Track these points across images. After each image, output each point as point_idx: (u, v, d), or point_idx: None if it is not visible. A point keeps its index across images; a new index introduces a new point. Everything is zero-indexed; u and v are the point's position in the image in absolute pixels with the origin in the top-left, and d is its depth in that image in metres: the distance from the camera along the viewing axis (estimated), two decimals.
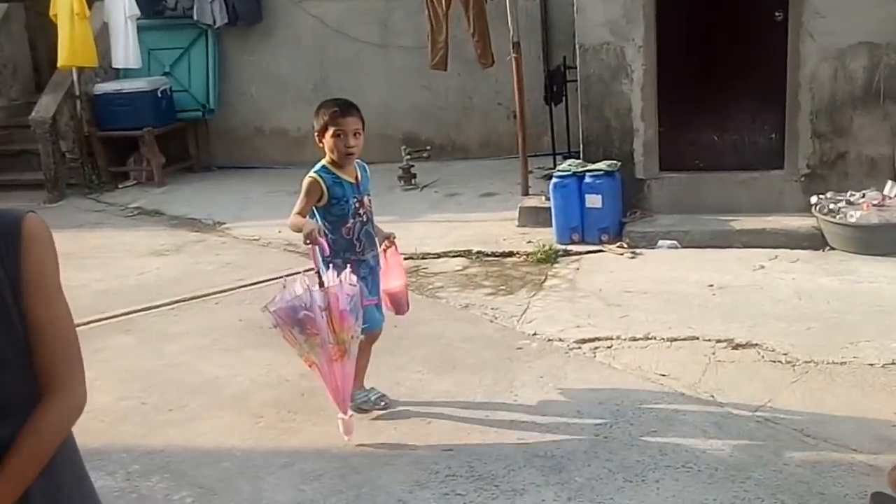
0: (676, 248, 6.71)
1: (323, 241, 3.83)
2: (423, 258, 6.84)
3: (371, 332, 4.15)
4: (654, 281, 6.00)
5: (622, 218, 7.14)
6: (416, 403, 4.42)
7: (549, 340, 5.10)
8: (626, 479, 3.61)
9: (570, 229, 6.98)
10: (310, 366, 3.85)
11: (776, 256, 6.35)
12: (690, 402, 4.23)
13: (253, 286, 6.35)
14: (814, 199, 6.74)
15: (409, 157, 9.40)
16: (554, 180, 7.15)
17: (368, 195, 4.17)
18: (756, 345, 4.80)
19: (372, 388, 4.30)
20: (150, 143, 10.13)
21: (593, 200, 6.94)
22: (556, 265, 6.55)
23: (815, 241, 6.54)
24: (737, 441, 3.84)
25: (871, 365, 4.50)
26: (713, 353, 4.75)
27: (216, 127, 11.10)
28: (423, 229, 7.57)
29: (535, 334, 5.21)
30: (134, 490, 3.81)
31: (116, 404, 4.59)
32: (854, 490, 3.43)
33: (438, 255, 6.89)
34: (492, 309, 5.68)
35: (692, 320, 5.21)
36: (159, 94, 10.29)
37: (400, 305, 4.37)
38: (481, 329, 5.38)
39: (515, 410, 4.30)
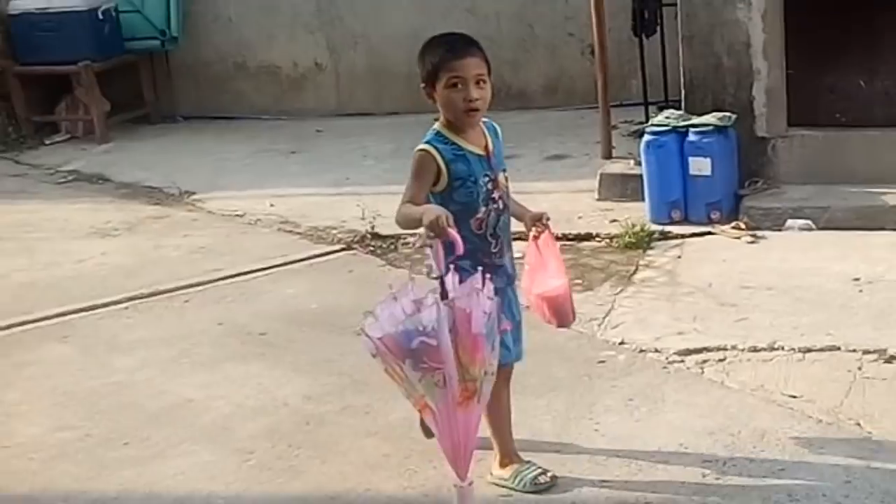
0: (811, 229, 6.77)
1: (454, 232, 3.40)
2: None
3: (504, 368, 3.79)
4: (781, 273, 6.06)
5: (739, 189, 7.23)
6: None
7: (642, 351, 5.15)
8: None
9: (670, 204, 7.06)
10: (421, 409, 3.54)
11: None
12: (830, 430, 4.27)
13: (236, 278, 6.47)
14: None
15: None
16: (646, 138, 7.21)
17: (504, 171, 3.89)
18: None
19: (529, 462, 4.00)
20: (88, 83, 10.02)
21: (699, 165, 7.02)
22: (650, 252, 6.62)
23: None
24: (891, 481, 3.86)
25: None
26: (860, 368, 4.81)
27: (181, 62, 11.08)
28: None
29: (622, 343, 5.25)
30: None
31: (51, 437, 4.56)
32: None
33: None
34: None
35: (832, 325, 5.25)
36: (100, 16, 10.09)
37: (564, 314, 4.08)
38: (551, 337, 5.23)
39: (596, 444, 4.31)
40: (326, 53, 11.08)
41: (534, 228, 3.96)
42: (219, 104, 11.01)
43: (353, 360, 5.12)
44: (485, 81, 3.70)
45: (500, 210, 3.77)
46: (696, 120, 7.13)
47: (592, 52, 8.04)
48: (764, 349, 5.05)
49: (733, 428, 4.31)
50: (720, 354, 5.03)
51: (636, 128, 8.31)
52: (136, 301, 6.15)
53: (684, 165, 7.04)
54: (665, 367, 4.97)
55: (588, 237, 6.89)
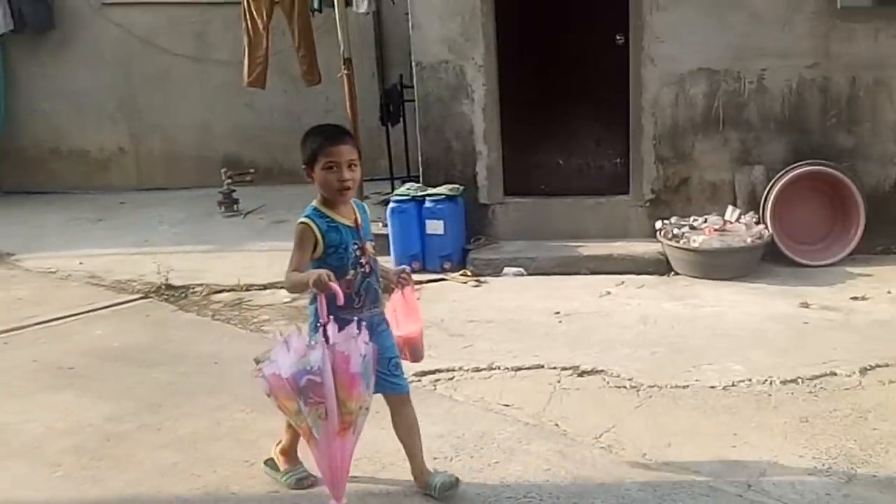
0: (522, 275, 7.13)
1: (336, 285, 3.39)
2: (246, 290, 6.95)
3: (403, 396, 3.88)
4: (499, 310, 6.36)
5: (465, 245, 7.51)
6: (242, 443, 4.45)
7: None
8: None
9: (410, 257, 7.24)
10: (307, 439, 3.52)
11: (622, 282, 6.90)
12: (534, 431, 4.50)
13: (49, 323, 6.31)
14: (658, 224, 7.36)
15: (230, 181, 9.44)
16: (391, 205, 7.43)
17: (371, 240, 3.83)
18: (601, 371, 5.19)
19: (442, 472, 3.98)
20: None
21: (434, 226, 7.27)
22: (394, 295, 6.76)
23: (661, 267, 7.15)
24: (579, 469, 4.12)
25: (713, 387, 4.94)
26: (558, 381, 5.11)
27: (3, 147, 10.80)
28: (245, 259, 7.71)
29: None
30: None
31: None
32: None
33: (265, 287, 6.97)
34: None
35: (538, 349, 5.57)
36: None
37: (418, 352, 4.08)
38: None
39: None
40: (128, 139, 10.97)
41: (399, 278, 3.94)
42: (36, 181, 10.73)
43: (149, 387, 5.18)
44: (356, 165, 3.68)
45: (366, 273, 3.71)
46: (431, 191, 7.40)
47: None
48: (484, 369, 5.27)
49: (459, 431, 4.48)
50: (449, 374, 5.21)
51: (384, 197, 8.46)
52: None
53: (422, 226, 7.27)
54: None
55: None
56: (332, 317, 3.41)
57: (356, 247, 3.67)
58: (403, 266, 4.07)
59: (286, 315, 6.41)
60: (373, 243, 3.83)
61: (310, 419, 3.35)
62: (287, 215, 9.07)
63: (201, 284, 7.09)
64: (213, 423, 4.65)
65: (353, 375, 3.31)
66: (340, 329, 3.41)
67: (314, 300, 3.58)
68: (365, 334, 3.43)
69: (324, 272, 3.38)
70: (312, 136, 3.74)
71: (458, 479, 3.90)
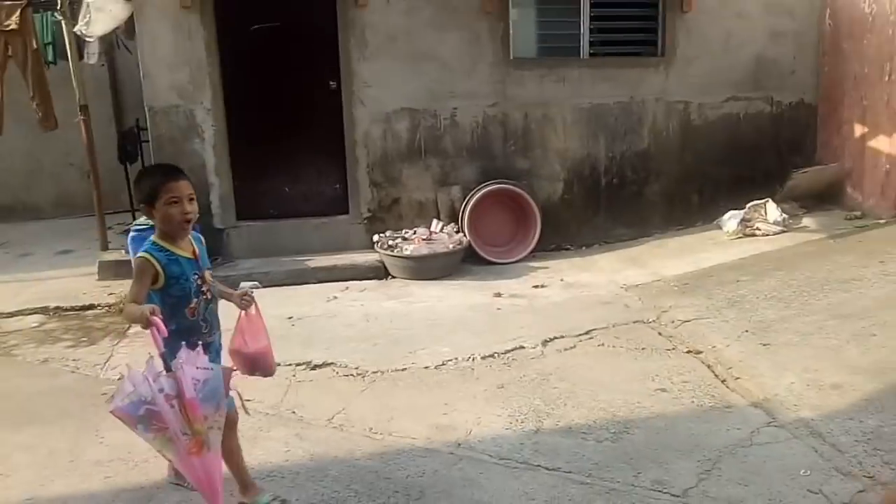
0: (258, 287, 6.67)
1: (158, 319, 3.04)
2: None
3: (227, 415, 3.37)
4: (234, 318, 6.02)
5: None
6: None
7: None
8: None
9: None
10: (169, 461, 3.21)
11: (347, 287, 6.79)
12: (274, 420, 4.32)
13: None
14: (375, 238, 7.37)
15: None
16: (132, 234, 6.88)
17: (210, 269, 3.54)
18: (331, 363, 5.06)
19: (263, 490, 3.59)
20: None
21: None
22: None
23: (379, 272, 7.12)
24: (315, 448, 4.00)
25: (427, 368, 4.98)
26: (294, 376, 4.92)
27: None
28: None
29: (120, 380, 4.93)
30: None
31: None
32: (413, 471, 3.75)
33: (12, 314, 6.36)
34: (73, 360, 5.38)
35: (274, 349, 5.22)
36: None
37: (268, 366, 3.77)
38: (62, 381, 5.06)
39: (102, 451, 4.08)
40: None
41: (243, 300, 3.62)
42: None
43: None
44: (194, 199, 3.33)
45: (208, 300, 3.42)
46: None
47: (89, 176, 7.67)
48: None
49: None
50: None
51: (126, 227, 7.92)
52: None
53: None
54: None
55: (91, 307, 6.44)
56: (182, 343, 3.10)
57: (196, 276, 3.36)
58: (244, 289, 3.66)
59: (35, 339, 5.84)
60: (210, 271, 3.53)
61: (156, 444, 2.98)
62: (31, 248, 8.45)
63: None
64: None
65: (190, 400, 2.95)
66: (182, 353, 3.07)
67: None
68: (204, 359, 3.08)
69: (147, 308, 3.03)
70: (148, 175, 3.41)
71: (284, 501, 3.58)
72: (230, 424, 3.46)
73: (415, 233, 7.37)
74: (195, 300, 3.35)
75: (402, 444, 4.02)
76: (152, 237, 3.37)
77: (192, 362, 3.03)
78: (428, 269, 6.98)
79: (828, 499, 3.37)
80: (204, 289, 3.41)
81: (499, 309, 6.12)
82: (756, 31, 8.30)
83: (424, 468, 3.77)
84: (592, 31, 7.86)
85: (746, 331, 5.27)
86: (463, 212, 7.47)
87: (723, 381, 4.60)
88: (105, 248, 7.60)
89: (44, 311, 6.40)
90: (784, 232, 7.44)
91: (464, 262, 7.27)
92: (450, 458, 3.88)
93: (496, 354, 5.14)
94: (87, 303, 6.52)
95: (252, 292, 3.66)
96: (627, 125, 8.07)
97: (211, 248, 6.98)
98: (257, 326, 3.68)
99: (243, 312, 3.62)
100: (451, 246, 7.13)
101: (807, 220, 7.78)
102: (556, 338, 5.38)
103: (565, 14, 7.83)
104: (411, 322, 5.86)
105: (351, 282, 6.91)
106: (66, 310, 6.41)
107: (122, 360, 5.26)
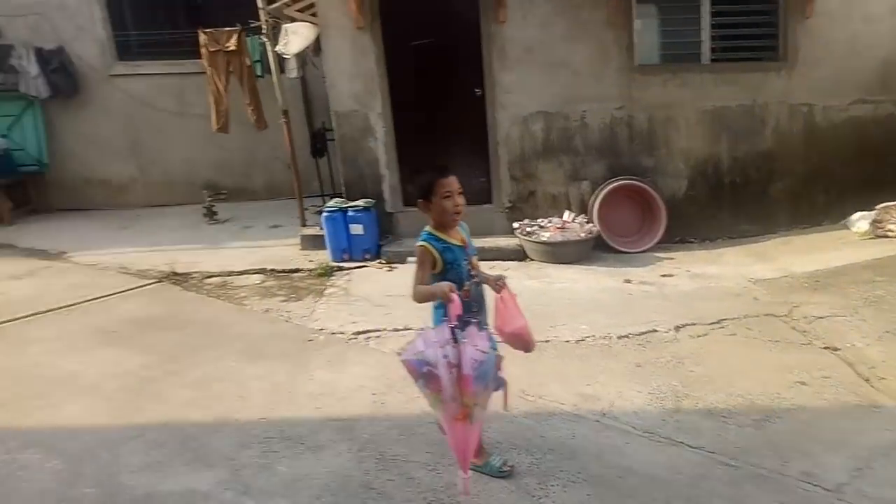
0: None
1: (456, 297, 2.93)
2: (229, 275, 6.64)
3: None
4: (405, 287, 6.15)
5: (379, 241, 7.29)
6: (236, 383, 4.33)
7: (333, 333, 5.11)
8: (401, 434, 3.69)
9: (341, 250, 7.04)
10: (442, 422, 3.05)
11: (493, 267, 6.64)
12: None
13: (96, 300, 6.06)
14: (515, 225, 7.27)
15: (210, 198, 9.15)
16: (325, 214, 7.19)
17: (476, 255, 3.33)
18: None
19: (494, 455, 3.46)
20: None
21: (356, 228, 7.07)
22: (332, 278, 6.56)
23: (519, 255, 7.05)
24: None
25: (567, 342, 4.82)
26: None
27: (52, 178, 10.33)
28: (227, 253, 7.35)
29: (321, 329, 5.19)
30: (14, 461, 3.63)
31: None
32: (564, 433, 3.67)
33: (241, 273, 6.71)
34: (286, 312, 5.62)
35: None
36: (1, 153, 9.79)
37: (528, 342, 3.41)
38: (280, 327, 5.31)
39: (313, 386, 4.27)
40: (137, 171, 10.50)
41: (497, 284, 3.36)
42: (75, 202, 10.30)
43: (168, 345, 5.04)
44: (461, 193, 3.21)
45: (477, 283, 3.28)
46: (352, 203, 7.17)
47: (290, 167, 8.05)
48: (402, 329, 5.11)
49: (388, 374, 4.35)
50: (377, 334, 5.06)
51: (319, 209, 8.12)
52: (38, 315, 5.78)
53: (347, 229, 7.04)
54: (347, 342, 4.95)
55: (297, 270, 6.73)
56: (466, 321, 2.95)
57: (467, 262, 3.22)
58: (499, 274, 3.44)
59: (258, 293, 6.14)
60: (477, 258, 3.32)
61: (430, 399, 2.90)
62: (251, 222, 8.86)
63: (197, 272, 6.75)
64: (215, 370, 4.48)
65: (465, 377, 2.82)
66: (463, 329, 2.92)
67: (440, 304, 3.14)
68: (486, 343, 2.92)
69: (446, 285, 2.95)
70: (427, 173, 3.24)
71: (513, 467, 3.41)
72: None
73: (550, 222, 7.24)
74: (467, 283, 3.20)
75: (552, 408, 3.90)
76: (427, 228, 3.20)
77: (474, 342, 2.88)
78: (563, 254, 6.86)
79: None
80: (473, 273, 3.25)
81: (630, 294, 5.83)
82: (883, 34, 7.52)
83: (574, 431, 3.65)
84: (713, 38, 7.41)
85: (887, 331, 4.65)
86: (592, 204, 7.28)
87: (866, 380, 4.09)
88: (304, 224, 7.87)
89: (263, 271, 6.73)
90: None
91: (594, 250, 7.06)
92: (596, 425, 3.73)
93: (631, 335, 4.88)
94: (294, 267, 6.81)
95: (505, 277, 3.37)
96: (750, 126, 7.55)
97: (383, 228, 7.51)
98: (511, 307, 3.35)
99: (498, 295, 3.31)
100: (582, 234, 6.97)
101: None
102: (688, 324, 5.02)
103: (686, 23, 7.41)
104: (550, 299, 5.72)
105: (495, 262, 6.86)
106: (279, 272, 6.70)
107: (323, 314, 5.51)
